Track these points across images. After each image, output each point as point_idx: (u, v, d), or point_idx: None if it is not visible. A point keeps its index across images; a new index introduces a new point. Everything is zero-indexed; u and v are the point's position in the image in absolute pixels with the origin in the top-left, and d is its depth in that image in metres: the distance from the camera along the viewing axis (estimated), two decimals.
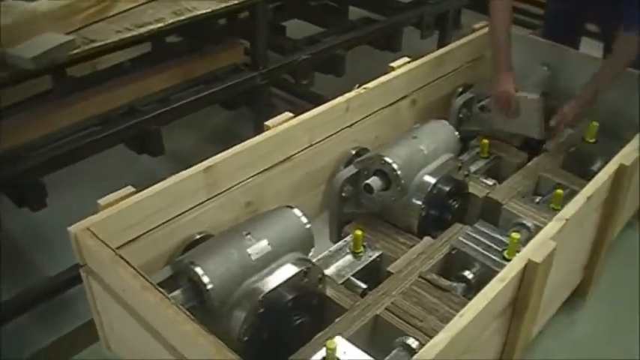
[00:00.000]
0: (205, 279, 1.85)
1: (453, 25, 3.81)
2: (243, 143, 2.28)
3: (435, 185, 2.35)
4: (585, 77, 2.69)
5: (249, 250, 1.94)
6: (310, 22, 3.69)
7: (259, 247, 1.96)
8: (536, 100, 2.71)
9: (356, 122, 2.62)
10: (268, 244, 1.97)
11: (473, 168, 2.72)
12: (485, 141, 2.77)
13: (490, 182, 2.65)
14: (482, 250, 2.23)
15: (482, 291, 1.76)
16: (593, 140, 2.77)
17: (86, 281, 2.03)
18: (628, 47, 2.56)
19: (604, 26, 3.08)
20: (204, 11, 2.37)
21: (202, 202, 2.22)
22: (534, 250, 1.88)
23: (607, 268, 2.71)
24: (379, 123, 2.73)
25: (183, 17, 2.29)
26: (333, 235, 2.48)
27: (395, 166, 2.29)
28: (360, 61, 3.58)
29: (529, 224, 2.40)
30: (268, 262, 1.96)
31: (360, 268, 2.24)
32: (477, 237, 2.29)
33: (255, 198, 2.38)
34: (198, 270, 1.86)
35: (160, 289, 1.75)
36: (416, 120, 2.85)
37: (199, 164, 2.18)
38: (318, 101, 2.55)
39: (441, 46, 3.39)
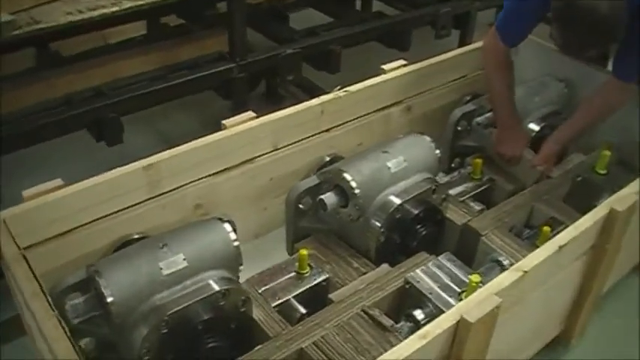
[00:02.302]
0: (107, 291, 1.72)
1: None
2: (192, 142, 2.13)
3: (398, 207, 2.11)
4: None
5: (162, 264, 1.79)
6: (324, 13, 3.43)
7: (173, 261, 1.80)
8: (539, 171, 2.51)
9: (335, 127, 2.41)
10: (184, 259, 1.81)
11: (460, 189, 2.44)
12: (478, 160, 2.48)
13: (478, 207, 2.39)
14: (438, 289, 1.99)
15: (395, 348, 1.55)
16: (604, 172, 2.44)
17: (6, 273, 1.95)
18: (623, 94, 2.36)
19: None
20: None
21: (142, 202, 2.09)
22: (471, 307, 1.63)
23: (599, 318, 2.40)
24: (365, 129, 2.50)
25: (141, 2, 2.13)
26: (289, 248, 2.29)
27: (353, 183, 2.06)
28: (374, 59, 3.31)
29: (505, 262, 2.13)
30: (182, 278, 1.80)
31: (300, 291, 2.05)
32: (437, 272, 2.04)
33: (207, 201, 2.23)
34: (102, 281, 1.73)
35: (48, 299, 1.65)
36: (410, 129, 2.59)
37: (139, 161, 2.05)
38: None
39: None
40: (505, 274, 1.76)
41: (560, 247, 1.84)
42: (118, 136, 2.36)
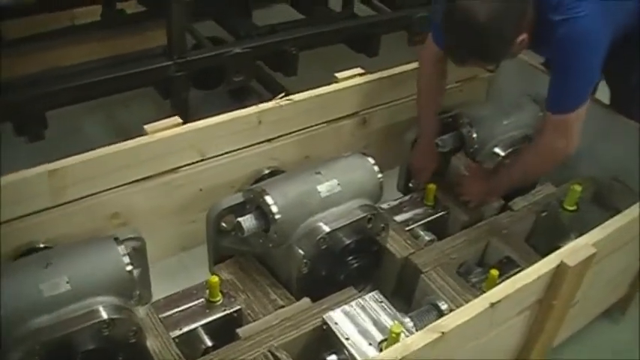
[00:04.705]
0: None
1: None
2: (105, 147, 1.93)
3: (325, 236, 1.88)
4: (586, 127, 2.08)
5: (42, 286, 1.60)
6: (298, 11, 3.17)
7: (56, 283, 1.62)
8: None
9: (276, 138, 2.19)
10: (67, 282, 1.62)
11: (408, 215, 2.21)
12: (432, 185, 2.24)
13: (428, 238, 2.16)
14: (357, 335, 1.76)
15: None
16: (572, 208, 2.18)
17: None
18: (565, 135, 1.98)
19: (608, 72, 2.18)
20: None
21: (46, 209, 1.91)
22: None
23: None
24: (312, 141, 2.28)
25: None
26: (211, 268, 2.09)
27: (274, 208, 1.85)
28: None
29: (444, 307, 1.90)
30: (65, 302, 1.62)
31: (207, 321, 1.85)
32: (360, 314, 1.81)
33: (125, 210, 2.05)
34: None
35: None
36: (367, 144, 2.37)
37: (43, 166, 1.86)
38: None
39: None
40: (418, 334, 1.53)
41: (492, 305, 1.61)
42: (40, 132, 2.16)
